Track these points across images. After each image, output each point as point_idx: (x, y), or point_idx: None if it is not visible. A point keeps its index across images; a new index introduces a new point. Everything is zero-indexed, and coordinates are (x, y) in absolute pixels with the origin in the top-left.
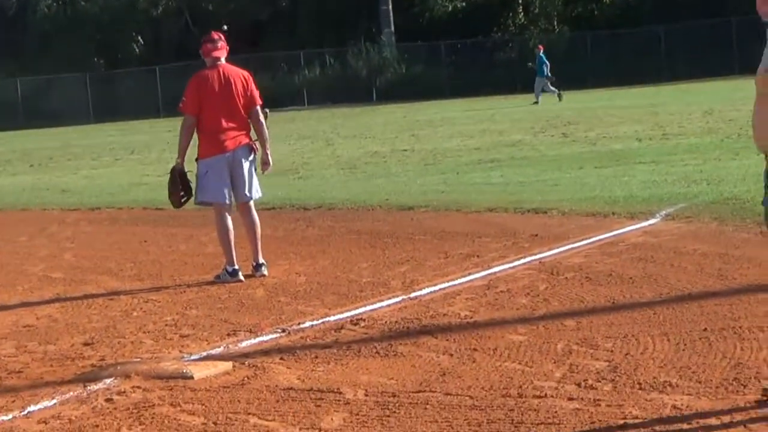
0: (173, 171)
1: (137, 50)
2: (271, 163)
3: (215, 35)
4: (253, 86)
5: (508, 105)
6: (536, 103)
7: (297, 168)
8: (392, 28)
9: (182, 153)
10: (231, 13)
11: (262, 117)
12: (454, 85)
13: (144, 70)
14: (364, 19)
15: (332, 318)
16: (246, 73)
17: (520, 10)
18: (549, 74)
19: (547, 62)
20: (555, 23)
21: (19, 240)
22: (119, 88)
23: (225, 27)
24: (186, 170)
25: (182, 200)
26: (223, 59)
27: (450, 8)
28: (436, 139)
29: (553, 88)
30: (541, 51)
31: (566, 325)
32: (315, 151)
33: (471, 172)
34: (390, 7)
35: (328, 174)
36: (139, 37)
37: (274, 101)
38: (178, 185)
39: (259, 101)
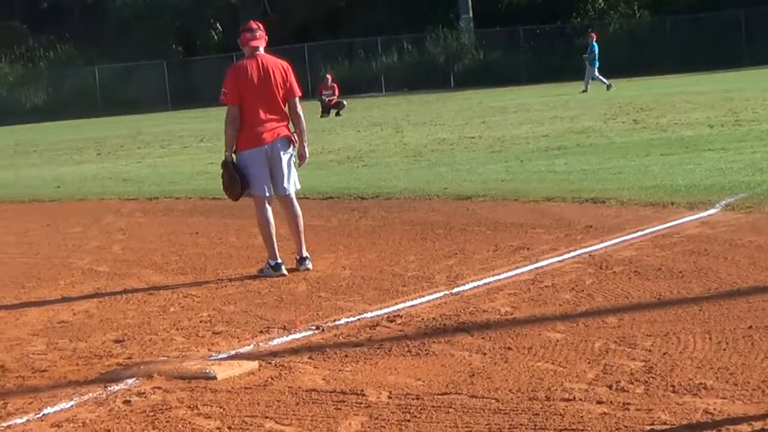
0: (226, 164)
1: (215, 37)
2: (307, 156)
3: (254, 24)
4: (292, 77)
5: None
6: (585, 91)
7: (362, 156)
8: (470, 14)
9: (230, 145)
10: None
11: (299, 109)
12: (532, 71)
13: (221, 57)
14: (442, 4)
15: (369, 315)
16: (285, 64)
17: None
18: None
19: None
20: (635, 7)
21: (72, 231)
22: (197, 75)
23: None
24: None
25: (241, 193)
26: (261, 49)
27: None
28: (506, 126)
29: (600, 77)
30: (594, 39)
31: (607, 323)
32: (383, 138)
33: (536, 159)
34: None
35: (392, 162)
36: (218, 24)
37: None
38: (236, 178)
39: (298, 92)
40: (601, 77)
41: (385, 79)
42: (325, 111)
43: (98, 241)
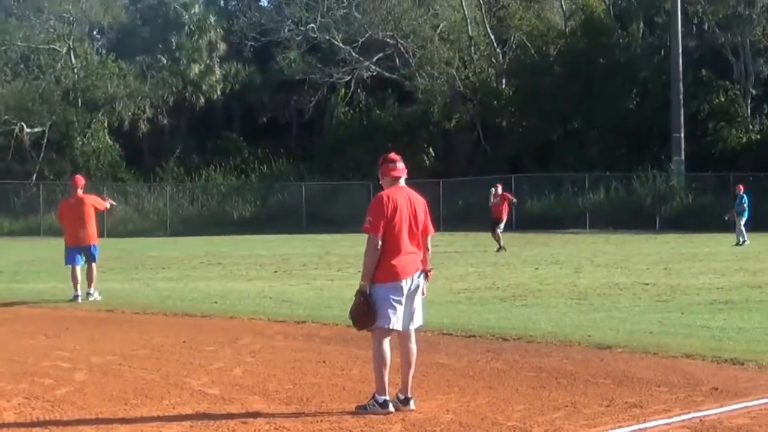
0: (363, 294)
1: (427, 162)
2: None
3: (395, 156)
4: (428, 214)
5: None
6: (742, 243)
7: (527, 294)
8: (682, 156)
9: (369, 275)
10: (524, 129)
11: (430, 245)
12: None
13: (430, 182)
14: (654, 145)
15: None
16: (423, 200)
17: None
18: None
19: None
20: None
21: (205, 350)
22: None
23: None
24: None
25: (370, 324)
26: (402, 180)
27: (744, 139)
28: (686, 274)
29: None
30: (742, 190)
31: None
32: (557, 277)
33: (697, 312)
34: (682, 134)
35: (553, 303)
36: (431, 149)
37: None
38: (369, 309)
39: (432, 230)
40: (740, 232)
41: (590, 216)
42: (495, 224)
43: (224, 362)
